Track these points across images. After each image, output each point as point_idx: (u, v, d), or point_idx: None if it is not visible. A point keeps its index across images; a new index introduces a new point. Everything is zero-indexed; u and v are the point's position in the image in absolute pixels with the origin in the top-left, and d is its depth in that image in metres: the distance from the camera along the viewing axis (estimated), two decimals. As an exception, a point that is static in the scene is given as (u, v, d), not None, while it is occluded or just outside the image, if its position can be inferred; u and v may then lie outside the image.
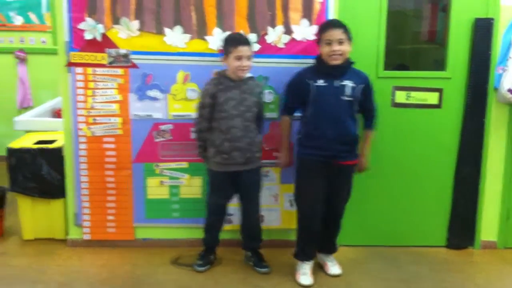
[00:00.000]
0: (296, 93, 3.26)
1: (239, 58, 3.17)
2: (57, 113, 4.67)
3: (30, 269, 3.43)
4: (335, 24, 3.16)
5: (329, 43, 3.11)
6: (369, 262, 3.63)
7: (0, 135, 5.50)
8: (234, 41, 3.21)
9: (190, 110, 3.56)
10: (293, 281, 3.32)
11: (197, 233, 3.63)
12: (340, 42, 3.10)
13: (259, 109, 3.35)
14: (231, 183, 3.35)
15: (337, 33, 3.10)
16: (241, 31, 3.44)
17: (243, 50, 3.17)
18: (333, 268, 3.45)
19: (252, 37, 3.47)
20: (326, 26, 3.18)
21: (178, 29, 3.49)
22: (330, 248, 3.50)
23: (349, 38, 3.14)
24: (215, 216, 3.46)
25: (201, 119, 3.30)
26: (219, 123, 3.24)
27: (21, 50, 5.45)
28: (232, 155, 3.24)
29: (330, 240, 3.49)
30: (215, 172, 3.34)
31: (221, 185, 3.36)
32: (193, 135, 3.53)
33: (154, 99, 3.57)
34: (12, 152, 3.69)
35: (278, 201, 3.72)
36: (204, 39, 3.51)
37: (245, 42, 3.20)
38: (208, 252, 3.51)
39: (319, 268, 3.47)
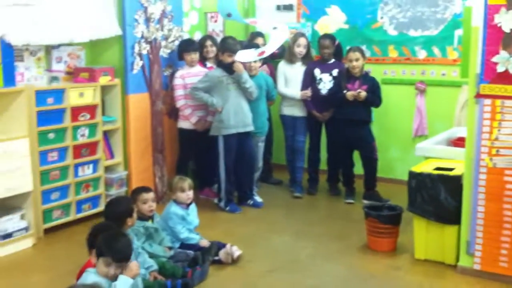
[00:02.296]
0: None
1: None
2: (452, 143, 4.81)
3: (421, 286, 3.64)
4: None
5: None
6: None
7: (395, 159, 6.00)
8: None
9: None
10: None
11: None
12: None
13: None
14: None
15: None
16: None
17: None
18: None
19: None
20: None
21: None
22: None
23: None
24: None
25: None
26: None
27: (421, 82, 5.83)
28: None
29: None
30: None
31: None
32: None
33: None
34: (413, 175, 3.97)
35: None
36: None
37: None
38: None
39: None
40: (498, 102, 3.53)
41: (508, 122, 3.52)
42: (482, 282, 3.66)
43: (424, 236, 3.98)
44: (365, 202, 5.22)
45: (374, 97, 5.27)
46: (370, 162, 5.41)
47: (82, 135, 4.80)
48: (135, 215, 3.74)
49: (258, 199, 5.44)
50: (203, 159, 5.59)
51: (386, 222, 4.19)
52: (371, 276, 3.81)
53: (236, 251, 4.06)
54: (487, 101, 3.57)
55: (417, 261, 4.02)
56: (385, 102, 5.59)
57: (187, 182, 4.27)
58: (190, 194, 4.27)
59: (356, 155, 5.53)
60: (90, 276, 2.95)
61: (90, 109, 4.83)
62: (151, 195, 4.05)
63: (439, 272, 3.83)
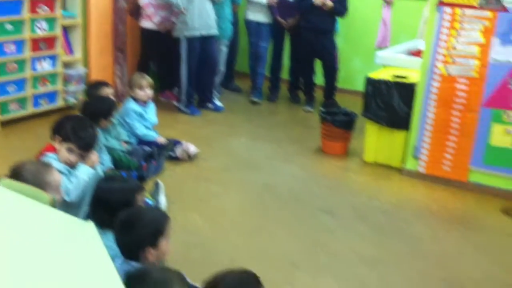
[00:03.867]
0: None
1: None
2: (412, 54, 4.86)
3: (368, 186, 3.82)
4: None
5: None
6: None
7: (357, 70, 6.06)
8: None
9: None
10: None
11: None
12: None
13: None
14: None
15: None
16: None
17: None
18: None
19: None
20: None
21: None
22: None
23: None
24: None
25: None
26: None
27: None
28: None
29: None
30: None
31: None
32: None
33: (518, 45, 3.45)
34: (370, 81, 4.05)
35: None
36: None
37: None
38: None
39: None
40: (459, 11, 3.56)
41: (466, 31, 3.57)
42: (426, 184, 3.85)
43: (375, 141, 4.12)
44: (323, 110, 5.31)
45: (340, 7, 5.23)
46: (331, 71, 5.46)
47: (41, 29, 4.67)
48: (112, 119, 3.72)
49: (218, 103, 5.47)
50: (165, 61, 5.53)
51: (340, 126, 4.30)
52: (322, 176, 3.96)
53: (192, 148, 4.13)
54: (448, 9, 3.59)
55: (366, 164, 4.18)
56: (351, 13, 5.56)
57: (146, 80, 4.25)
58: (148, 92, 4.26)
59: (318, 65, 5.56)
60: (49, 160, 2.93)
61: (49, 2, 4.68)
62: (111, 89, 4.03)
63: (386, 174, 4.01)
